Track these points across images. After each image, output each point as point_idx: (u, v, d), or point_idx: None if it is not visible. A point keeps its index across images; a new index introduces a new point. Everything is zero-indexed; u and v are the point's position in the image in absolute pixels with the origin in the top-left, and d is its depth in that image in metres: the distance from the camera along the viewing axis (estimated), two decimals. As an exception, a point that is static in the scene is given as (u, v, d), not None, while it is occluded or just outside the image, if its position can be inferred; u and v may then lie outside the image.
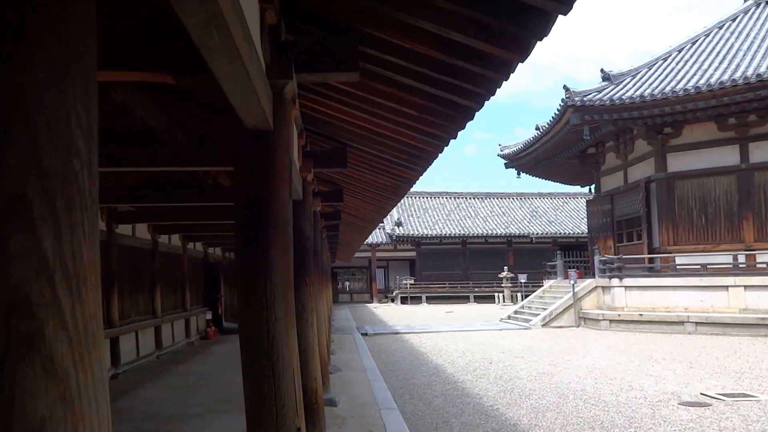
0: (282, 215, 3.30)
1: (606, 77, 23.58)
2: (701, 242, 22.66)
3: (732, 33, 24.93)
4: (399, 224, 44.14)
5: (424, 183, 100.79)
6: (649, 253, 23.71)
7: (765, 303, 19.91)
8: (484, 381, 12.04)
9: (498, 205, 50.10)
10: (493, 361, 15.01)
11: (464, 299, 44.57)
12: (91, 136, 1.10)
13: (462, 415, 9.09)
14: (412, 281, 44.77)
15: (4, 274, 0.93)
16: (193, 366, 13.45)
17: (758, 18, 25.52)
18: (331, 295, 30.02)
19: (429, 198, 50.92)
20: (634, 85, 22.90)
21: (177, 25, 2.16)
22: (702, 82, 20.41)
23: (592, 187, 32.82)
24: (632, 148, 25.12)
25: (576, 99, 21.97)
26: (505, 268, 42.20)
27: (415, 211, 48.27)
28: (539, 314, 24.56)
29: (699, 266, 21.94)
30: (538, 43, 3.02)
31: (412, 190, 12.20)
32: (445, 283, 44.58)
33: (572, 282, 23.72)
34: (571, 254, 31.84)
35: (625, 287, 22.70)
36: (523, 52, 3.16)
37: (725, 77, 19.82)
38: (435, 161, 7.09)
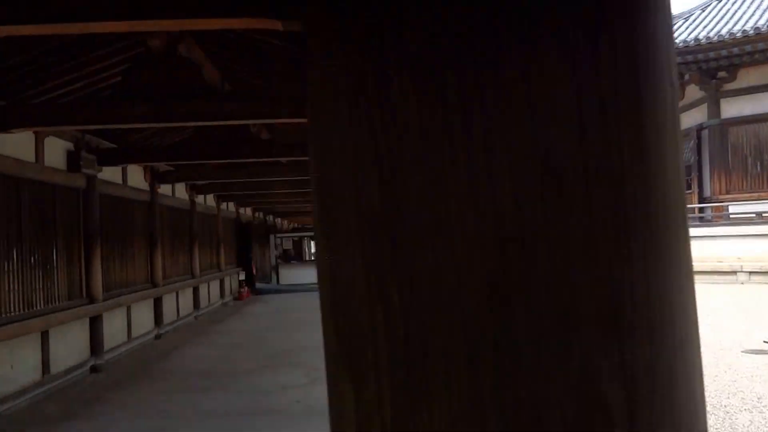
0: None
1: (657, 20, 23.11)
2: (755, 190, 22.45)
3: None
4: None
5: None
6: (699, 203, 23.56)
7: (823, 252, 19.81)
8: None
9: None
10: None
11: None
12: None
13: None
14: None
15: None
16: (232, 325, 13.87)
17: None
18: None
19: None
20: (687, 28, 22.50)
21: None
22: (762, 22, 19.98)
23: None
24: (683, 94, 24.73)
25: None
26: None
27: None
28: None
29: (753, 214, 21.79)
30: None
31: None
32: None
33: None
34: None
35: (676, 238, 22.59)
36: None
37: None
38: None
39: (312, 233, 25.14)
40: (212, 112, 6.24)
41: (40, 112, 6.40)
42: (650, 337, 0.76)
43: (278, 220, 30.20)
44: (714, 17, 22.67)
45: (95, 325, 8.97)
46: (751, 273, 20.46)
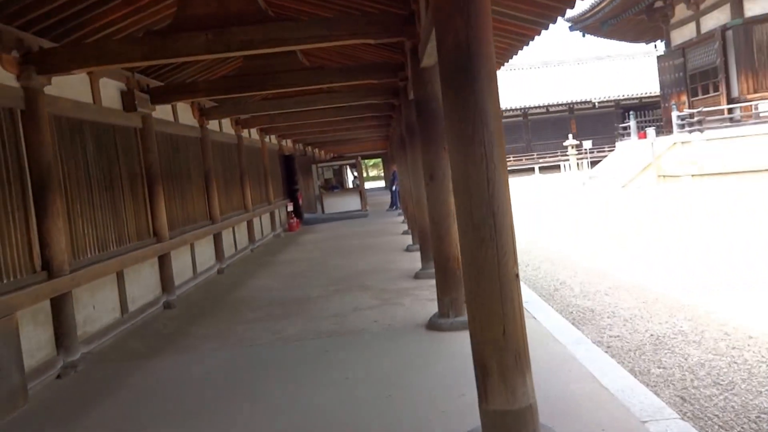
0: (491, 60, 3.08)
1: None
2: (784, 87, 21.51)
3: None
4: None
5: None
6: (728, 104, 22.67)
7: None
8: (588, 244, 11.91)
9: (556, 72, 48.39)
10: (584, 224, 14.84)
11: (529, 171, 44.05)
12: None
13: (579, 275, 9.02)
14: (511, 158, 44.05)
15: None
16: (290, 255, 13.65)
17: None
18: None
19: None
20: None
21: None
22: None
23: (657, 43, 31.20)
24: (706, -5, 23.55)
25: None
26: (570, 135, 41.18)
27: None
28: (617, 177, 24.04)
29: (783, 111, 20.93)
30: None
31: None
32: (509, 157, 43.94)
33: (651, 141, 22.99)
34: (639, 115, 30.73)
35: (706, 140, 21.89)
36: None
37: None
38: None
39: (352, 161, 25.17)
40: (268, 39, 5.78)
41: (95, 52, 5.97)
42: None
43: (316, 151, 29.89)
44: None
45: (164, 263, 8.76)
46: (783, 169, 19.74)
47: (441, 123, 6.00)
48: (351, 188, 27.35)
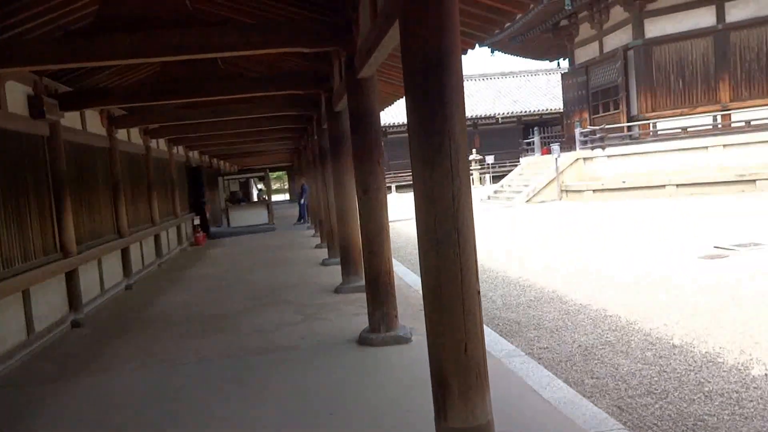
0: (459, 72, 3.11)
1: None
2: (679, 106, 22.95)
3: None
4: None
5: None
6: (627, 122, 23.94)
7: (742, 160, 20.54)
8: (502, 256, 12.23)
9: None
10: (494, 236, 15.25)
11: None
12: None
13: (498, 288, 9.24)
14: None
15: None
16: (200, 270, 13.31)
17: None
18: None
19: (390, 86, 50.03)
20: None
21: None
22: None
23: (560, 61, 32.64)
24: (608, 16, 24.83)
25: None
26: (473, 150, 42.34)
27: (378, 100, 47.50)
28: (521, 191, 24.86)
29: (679, 129, 22.32)
30: None
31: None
32: (399, 172, 44.22)
33: (555, 156, 23.94)
34: (541, 131, 31.98)
35: (607, 156, 23.06)
36: None
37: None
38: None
39: (259, 173, 24.87)
40: (199, 43, 5.63)
41: (5, 52, 5.63)
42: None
43: (221, 163, 29.39)
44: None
45: (72, 279, 8.32)
46: (678, 185, 21.06)
47: (377, 136, 6.03)
48: (258, 201, 27.00)
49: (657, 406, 4.49)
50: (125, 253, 11.28)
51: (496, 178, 36.26)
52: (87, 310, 8.77)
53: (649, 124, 23.26)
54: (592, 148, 23.58)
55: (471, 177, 35.22)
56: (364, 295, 8.43)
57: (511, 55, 30.95)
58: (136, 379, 5.82)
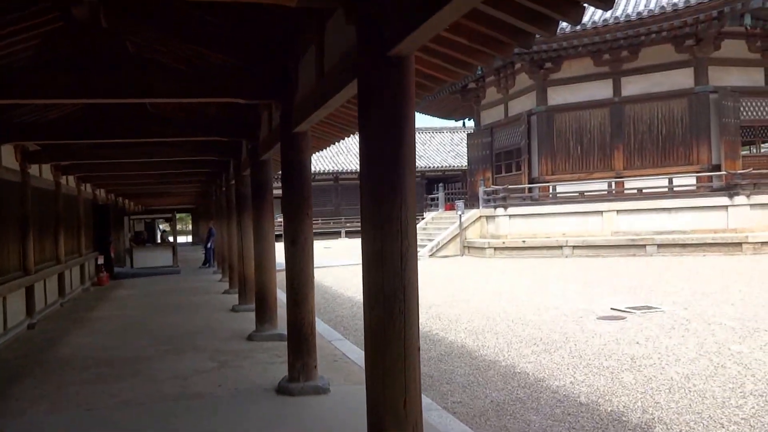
0: (411, 139, 3.35)
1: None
2: (577, 171, 24.30)
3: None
4: (273, 161, 43.57)
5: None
6: (529, 183, 25.11)
7: (634, 225, 21.92)
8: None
9: (370, 140, 50.57)
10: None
11: (336, 234, 45.18)
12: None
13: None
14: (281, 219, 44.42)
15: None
16: (105, 311, 12.95)
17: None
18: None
19: (300, 133, 50.36)
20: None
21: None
22: (585, 19, 21.48)
23: (467, 121, 33.95)
24: (513, 82, 26.20)
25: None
26: (380, 202, 42.97)
27: (287, 147, 47.73)
28: (425, 245, 25.41)
29: (576, 194, 23.63)
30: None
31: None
32: (317, 220, 44.68)
33: (459, 213, 24.73)
34: (445, 187, 33.03)
35: (509, 216, 24.04)
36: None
37: (607, 15, 20.97)
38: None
39: (166, 215, 24.35)
40: (138, 87, 5.69)
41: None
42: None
43: (127, 202, 28.65)
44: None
45: (-27, 317, 7.99)
46: (574, 247, 22.19)
47: (308, 189, 6.23)
48: (163, 243, 26.37)
49: (570, 459, 4.80)
50: (29, 291, 10.94)
51: (400, 230, 36.96)
52: (-14, 350, 8.39)
53: (549, 186, 24.49)
54: (495, 207, 24.56)
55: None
56: (278, 344, 8.56)
57: (420, 112, 32.00)
58: (50, 424, 5.65)
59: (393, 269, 3.34)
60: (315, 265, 6.56)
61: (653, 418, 5.66)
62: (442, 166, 47.51)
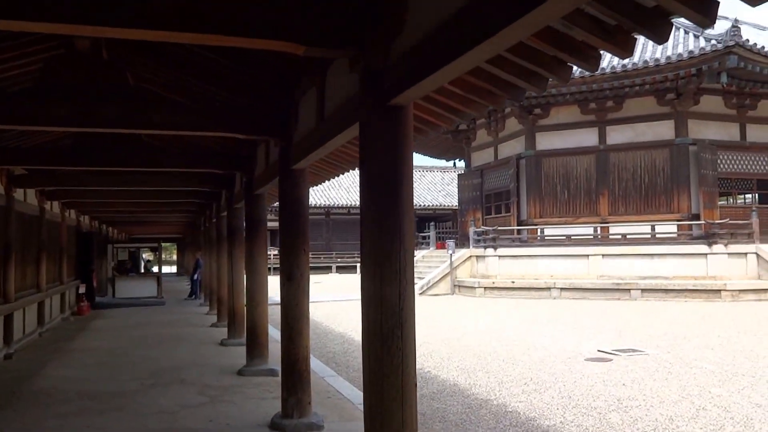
0: (410, 183, 3.40)
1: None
2: (564, 215, 24.50)
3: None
4: (262, 195, 43.61)
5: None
6: (518, 225, 25.25)
7: (618, 270, 22.05)
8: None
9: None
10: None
11: (326, 269, 45.04)
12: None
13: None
14: (275, 252, 44.41)
15: None
16: (86, 342, 12.71)
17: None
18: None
19: (291, 169, 50.55)
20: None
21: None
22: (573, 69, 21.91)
23: (457, 162, 34.20)
24: (504, 126, 26.53)
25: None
26: (369, 239, 42.99)
27: (278, 181, 47.86)
28: (417, 283, 25.34)
29: (564, 237, 23.77)
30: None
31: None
32: (308, 254, 44.48)
33: (450, 252, 24.77)
34: (436, 226, 33.13)
35: (499, 256, 24.10)
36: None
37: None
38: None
39: (152, 244, 24.11)
40: (139, 120, 5.72)
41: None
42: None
43: (110, 229, 28.42)
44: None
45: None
46: (562, 289, 22.23)
47: (305, 224, 6.23)
48: (147, 273, 26.12)
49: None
50: (8, 320, 10.73)
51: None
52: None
53: (537, 229, 24.64)
54: (485, 247, 24.63)
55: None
56: (270, 379, 8.46)
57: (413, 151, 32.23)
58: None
59: (391, 308, 3.35)
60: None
61: (644, 463, 5.64)
62: (432, 205, 47.71)
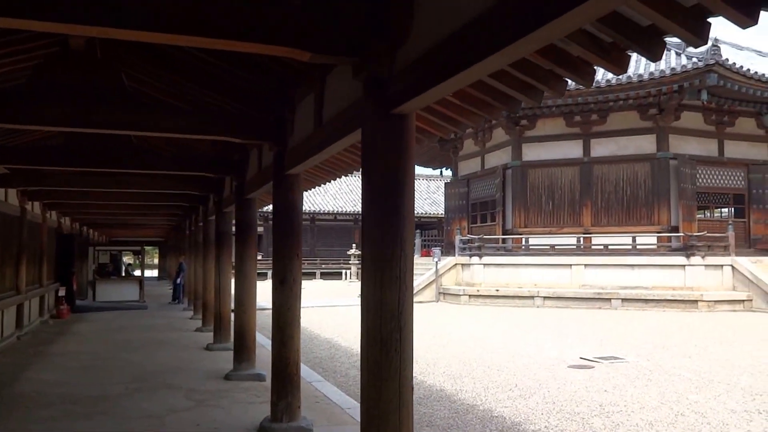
0: (411, 190, 3.45)
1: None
2: (548, 225, 24.68)
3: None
4: (247, 199, 43.46)
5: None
6: (503, 234, 25.39)
7: (600, 280, 22.29)
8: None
9: (347, 182, 50.79)
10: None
11: (311, 275, 44.91)
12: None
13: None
14: (260, 257, 44.21)
15: None
16: (67, 346, 12.56)
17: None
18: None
19: (276, 174, 50.36)
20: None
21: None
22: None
23: (444, 170, 34.32)
24: (490, 136, 26.71)
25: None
26: (354, 245, 43.02)
27: (263, 187, 47.70)
28: (399, 290, 25.36)
29: (548, 246, 23.94)
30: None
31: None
32: (290, 261, 44.28)
33: (435, 259, 24.86)
34: (422, 234, 33.21)
35: (484, 265, 24.22)
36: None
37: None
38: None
39: (134, 247, 23.81)
40: (135, 122, 5.71)
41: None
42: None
43: (91, 232, 28.16)
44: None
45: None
46: (545, 298, 22.37)
47: (299, 229, 6.25)
48: (129, 276, 25.88)
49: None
50: (-16, 323, 10.56)
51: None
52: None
53: (521, 238, 24.78)
54: (470, 255, 24.74)
55: (349, 271, 35.27)
56: (257, 384, 8.46)
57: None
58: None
59: (391, 312, 3.40)
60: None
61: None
62: (418, 213, 47.66)
